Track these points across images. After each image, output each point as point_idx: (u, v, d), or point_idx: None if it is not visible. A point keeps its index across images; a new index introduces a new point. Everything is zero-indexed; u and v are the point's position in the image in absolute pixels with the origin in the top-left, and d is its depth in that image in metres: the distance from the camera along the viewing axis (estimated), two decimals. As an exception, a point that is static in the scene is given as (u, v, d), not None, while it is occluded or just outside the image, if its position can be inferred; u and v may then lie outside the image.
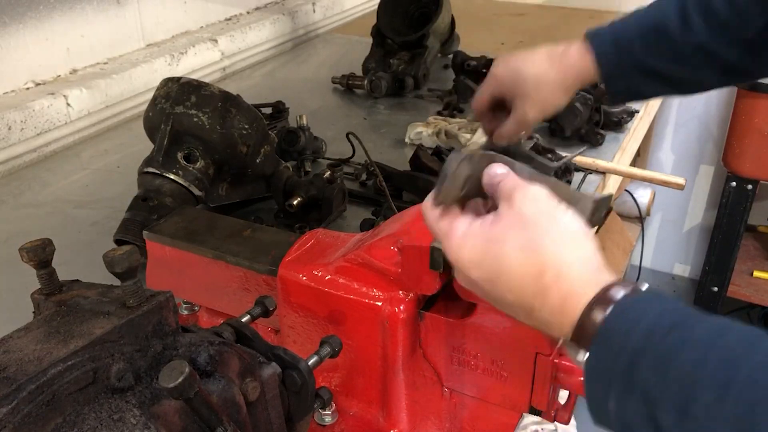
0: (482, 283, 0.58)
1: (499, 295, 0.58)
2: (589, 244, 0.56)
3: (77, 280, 0.58)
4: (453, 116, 1.64)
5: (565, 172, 1.26)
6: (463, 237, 0.59)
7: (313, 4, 2.35)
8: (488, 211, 0.61)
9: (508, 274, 0.56)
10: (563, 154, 1.29)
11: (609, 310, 0.51)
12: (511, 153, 0.89)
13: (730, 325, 0.48)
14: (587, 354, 0.52)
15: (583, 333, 0.52)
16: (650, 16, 0.96)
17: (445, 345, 0.75)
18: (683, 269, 3.13)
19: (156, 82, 1.26)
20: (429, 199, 0.62)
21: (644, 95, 1.03)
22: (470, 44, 2.16)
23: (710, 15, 0.91)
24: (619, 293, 0.52)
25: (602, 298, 0.52)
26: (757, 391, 0.43)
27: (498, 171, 0.60)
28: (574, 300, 0.53)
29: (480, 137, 1.43)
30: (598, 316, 0.52)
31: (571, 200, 0.62)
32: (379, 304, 0.74)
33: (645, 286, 0.53)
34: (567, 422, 0.75)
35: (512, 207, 0.57)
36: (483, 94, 1.00)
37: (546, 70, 0.95)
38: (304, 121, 1.45)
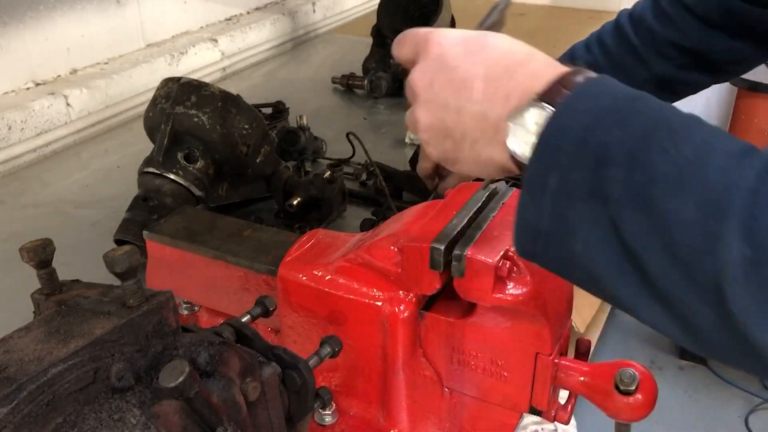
0: (456, 56, 0.57)
1: (467, 66, 0.56)
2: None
3: (77, 280, 0.58)
4: (453, 116, 1.64)
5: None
6: (454, 30, 0.60)
7: (313, 4, 2.35)
8: None
9: (495, 47, 0.56)
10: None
11: (588, 78, 0.50)
12: None
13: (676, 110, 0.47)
14: (546, 115, 0.48)
15: (553, 93, 0.49)
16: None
17: (445, 345, 0.75)
18: (683, 269, 3.13)
19: (156, 82, 1.26)
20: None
21: None
22: (470, 44, 2.16)
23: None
24: (586, 73, 0.51)
25: (580, 70, 0.51)
26: (714, 144, 0.43)
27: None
28: (557, 68, 0.52)
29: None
30: (578, 79, 0.49)
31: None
32: (379, 304, 0.74)
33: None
34: (567, 422, 0.75)
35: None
36: (426, 163, 0.91)
37: None
38: (304, 121, 1.45)
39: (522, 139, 0.50)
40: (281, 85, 1.96)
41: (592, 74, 0.50)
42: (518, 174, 0.54)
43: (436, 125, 0.59)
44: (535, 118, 0.49)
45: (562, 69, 0.52)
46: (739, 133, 2.29)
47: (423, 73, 0.59)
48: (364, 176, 1.35)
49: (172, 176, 1.11)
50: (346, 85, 1.87)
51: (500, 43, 0.57)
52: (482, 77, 0.55)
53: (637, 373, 0.67)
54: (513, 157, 0.52)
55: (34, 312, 0.56)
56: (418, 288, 0.72)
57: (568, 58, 1.07)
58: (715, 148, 0.43)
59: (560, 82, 0.50)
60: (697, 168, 0.42)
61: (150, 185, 1.11)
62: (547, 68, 0.52)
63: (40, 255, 0.54)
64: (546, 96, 0.49)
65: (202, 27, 2.04)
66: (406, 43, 0.63)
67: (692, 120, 0.46)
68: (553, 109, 0.48)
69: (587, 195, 0.45)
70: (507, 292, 0.67)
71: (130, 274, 0.51)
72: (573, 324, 0.90)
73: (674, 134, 0.44)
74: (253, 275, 0.84)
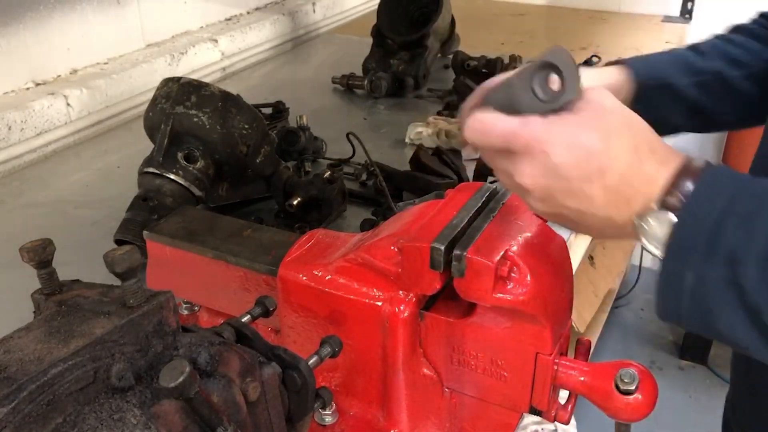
0: (567, 166, 0.58)
1: (581, 177, 0.58)
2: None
3: (77, 280, 0.58)
4: (453, 116, 1.64)
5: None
6: (548, 122, 0.59)
7: (313, 4, 2.35)
8: None
9: (603, 151, 0.57)
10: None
11: (697, 177, 0.55)
12: None
13: None
14: (672, 221, 0.54)
15: (671, 197, 0.55)
16: (669, 53, 1.03)
17: (445, 345, 0.75)
18: (683, 269, 3.13)
19: (156, 82, 1.26)
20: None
21: (666, 123, 0.99)
22: (470, 44, 2.16)
23: (722, 53, 0.98)
24: (699, 163, 0.56)
25: (689, 167, 0.56)
26: None
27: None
28: (668, 164, 0.56)
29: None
30: (688, 184, 0.55)
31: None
32: (379, 304, 0.74)
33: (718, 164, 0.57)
34: (567, 422, 0.75)
35: (591, 101, 0.59)
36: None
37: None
38: (304, 121, 1.45)
39: (652, 238, 0.56)
40: (281, 85, 1.96)
41: (700, 165, 0.55)
42: None
43: (556, 214, 0.62)
44: (661, 223, 0.55)
45: (672, 167, 0.56)
46: (739, 133, 2.29)
47: (533, 177, 0.60)
48: (364, 176, 1.35)
49: (172, 176, 1.11)
50: (346, 85, 1.87)
51: (606, 145, 0.57)
52: (601, 186, 0.58)
53: (637, 373, 0.67)
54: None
55: (34, 312, 0.56)
56: (418, 288, 0.72)
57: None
58: None
59: (675, 187, 0.55)
60: None
61: (150, 185, 1.11)
62: (659, 169, 0.57)
63: (40, 255, 0.54)
64: (667, 204, 0.55)
65: (202, 27, 2.04)
66: (493, 133, 0.61)
67: None
68: (675, 218, 0.54)
69: (724, 287, 0.52)
70: (507, 292, 0.67)
71: (130, 274, 0.51)
72: (573, 324, 0.90)
73: None
74: (253, 275, 0.84)
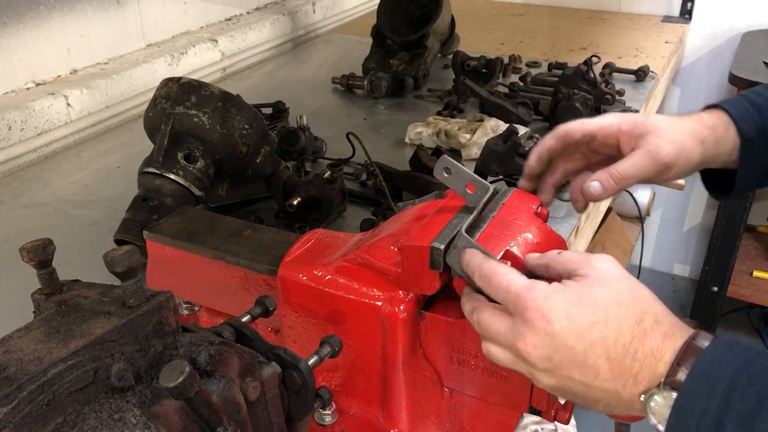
0: (567, 335, 0.58)
1: (584, 347, 0.57)
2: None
3: (77, 280, 0.58)
4: (453, 116, 1.64)
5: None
6: (549, 290, 0.59)
7: (313, 4, 2.35)
8: None
9: (605, 321, 0.57)
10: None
11: (690, 365, 0.54)
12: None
13: None
14: (673, 404, 0.54)
15: (680, 365, 0.54)
16: None
17: (445, 345, 0.75)
18: (683, 269, 3.13)
19: (156, 82, 1.26)
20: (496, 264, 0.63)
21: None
22: (470, 44, 2.16)
23: None
24: (701, 343, 0.55)
25: (692, 345, 0.55)
26: None
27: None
28: (673, 339, 0.55)
29: (480, 137, 1.43)
30: (691, 363, 0.54)
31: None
32: (379, 304, 0.74)
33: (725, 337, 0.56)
34: (567, 422, 0.75)
35: (597, 267, 0.60)
36: (591, 123, 0.81)
37: (675, 118, 0.82)
38: (304, 121, 1.45)
39: (658, 415, 0.55)
40: (281, 85, 1.96)
41: (706, 342, 0.55)
42: None
43: (562, 388, 0.61)
44: (666, 401, 0.54)
45: (677, 342, 0.55)
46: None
47: (535, 347, 0.59)
48: (364, 176, 1.35)
49: (172, 176, 1.11)
50: (346, 85, 1.87)
51: (609, 315, 0.57)
52: (605, 358, 0.57)
53: None
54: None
55: (34, 312, 0.56)
56: (418, 288, 0.72)
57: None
58: None
59: (680, 363, 0.54)
60: None
61: (150, 185, 1.11)
62: (663, 342, 0.56)
63: (40, 255, 0.54)
64: (671, 382, 0.54)
65: (202, 27, 2.04)
66: (497, 290, 0.62)
67: None
68: (676, 396, 0.54)
69: None
70: (507, 292, 0.67)
71: (130, 274, 0.51)
72: (573, 324, 0.90)
73: None
74: (253, 275, 0.84)
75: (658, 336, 0.56)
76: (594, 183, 0.76)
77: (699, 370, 0.53)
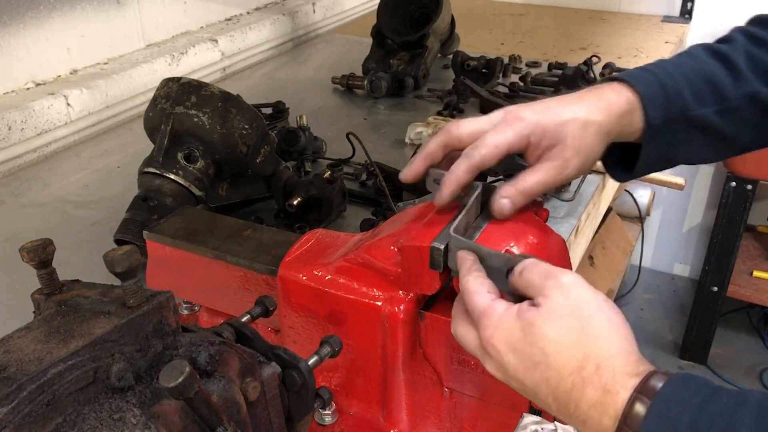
0: (515, 369, 0.58)
1: (532, 384, 0.58)
2: (629, 335, 0.57)
3: (77, 280, 0.58)
4: (453, 116, 1.64)
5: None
6: (500, 318, 0.59)
7: (313, 4, 2.35)
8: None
9: (546, 364, 0.56)
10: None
11: (647, 407, 0.51)
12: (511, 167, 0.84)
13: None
14: None
15: (627, 423, 0.52)
16: (691, 66, 0.83)
17: (445, 345, 0.75)
18: (683, 269, 3.14)
19: (156, 82, 1.26)
20: (471, 276, 0.63)
21: (677, 157, 0.85)
22: (470, 44, 2.16)
23: (757, 65, 0.82)
24: (657, 385, 0.52)
25: (643, 389, 0.52)
26: None
27: (528, 261, 0.62)
28: (615, 392, 0.53)
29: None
30: (641, 410, 0.51)
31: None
32: (379, 304, 0.74)
33: (680, 375, 0.53)
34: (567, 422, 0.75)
35: (549, 297, 0.57)
36: (502, 142, 0.74)
37: (587, 111, 0.76)
38: (304, 121, 1.45)
39: None
40: (281, 85, 1.96)
41: (660, 383, 0.52)
42: None
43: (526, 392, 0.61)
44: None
45: (618, 399, 0.52)
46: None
47: (493, 371, 0.62)
48: (364, 176, 1.35)
49: (172, 176, 1.11)
50: (346, 85, 1.87)
51: (547, 357, 0.56)
52: (552, 398, 0.57)
53: None
54: None
55: (34, 312, 0.56)
56: (418, 288, 0.72)
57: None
58: None
59: (625, 420, 0.52)
60: None
61: (150, 185, 1.11)
62: (603, 397, 0.53)
63: (40, 255, 0.54)
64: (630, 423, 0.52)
65: (202, 27, 2.04)
66: (468, 307, 0.63)
67: None
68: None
69: None
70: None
71: (130, 274, 0.51)
72: (573, 324, 0.89)
73: None
74: (253, 275, 0.84)
75: (598, 388, 0.53)
76: (504, 201, 0.73)
77: (657, 412, 0.51)
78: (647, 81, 0.80)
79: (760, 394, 0.50)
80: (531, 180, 0.74)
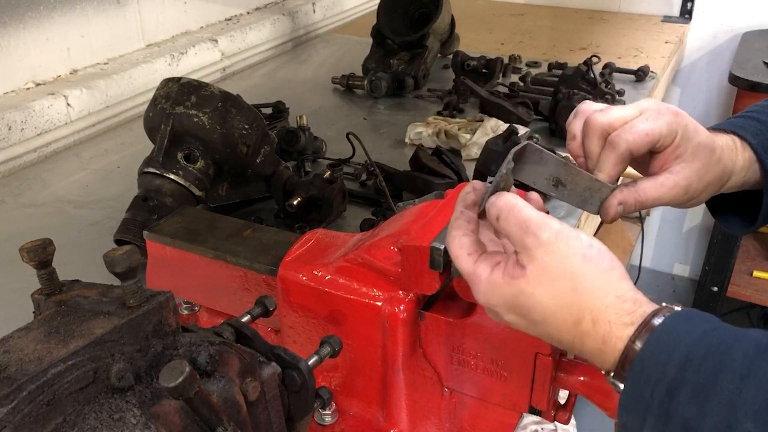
0: (517, 324, 0.60)
1: (536, 334, 0.60)
2: (622, 278, 0.56)
3: (77, 280, 0.58)
4: (453, 116, 1.64)
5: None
6: (489, 285, 0.59)
7: (313, 4, 2.35)
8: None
9: (544, 323, 0.57)
10: (562, 154, 1.30)
11: (645, 338, 0.52)
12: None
13: (766, 346, 0.49)
14: (629, 370, 0.53)
15: (624, 369, 0.54)
16: None
17: (445, 345, 0.75)
18: (683, 269, 3.13)
19: (156, 82, 1.26)
20: (457, 234, 0.62)
21: None
22: (470, 44, 2.17)
23: None
24: (656, 321, 0.53)
25: (641, 329, 0.53)
26: None
27: (501, 203, 0.59)
28: (612, 342, 0.54)
29: (480, 137, 1.43)
30: (638, 345, 0.53)
31: (591, 189, 0.63)
32: (379, 304, 0.74)
33: (679, 308, 0.54)
34: (567, 422, 0.75)
35: (534, 259, 0.56)
36: (653, 131, 0.70)
37: (712, 140, 0.74)
38: (304, 121, 1.45)
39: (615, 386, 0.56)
40: (281, 85, 1.96)
41: (659, 319, 0.53)
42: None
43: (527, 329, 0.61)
44: (618, 382, 0.55)
45: (618, 346, 0.54)
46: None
47: (491, 314, 0.62)
48: (364, 176, 1.35)
49: (172, 176, 1.11)
50: (346, 85, 1.87)
51: (544, 316, 0.57)
52: (557, 342, 0.58)
53: None
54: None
55: (34, 312, 0.56)
56: (418, 288, 0.72)
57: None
58: None
59: (626, 355, 0.53)
60: None
61: (150, 185, 1.11)
62: (603, 346, 0.55)
63: (40, 255, 0.54)
64: (619, 375, 0.54)
65: (202, 27, 2.04)
66: (458, 263, 0.62)
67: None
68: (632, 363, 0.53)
69: None
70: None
71: (130, 274, 0.51)
72: (573, 324, 0.89)
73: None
74: (253, 275, 0.84)
75: (597, 340, 0.55)
76: (619, 207, 0.72)
77: (655, 340, 0.52)
78: (755, 130, 0.78)
79: (760, 333, 0.51)
80: (651, 195, 0.73)
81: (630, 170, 0.81)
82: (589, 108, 0.74)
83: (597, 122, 0.72)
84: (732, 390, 0.48)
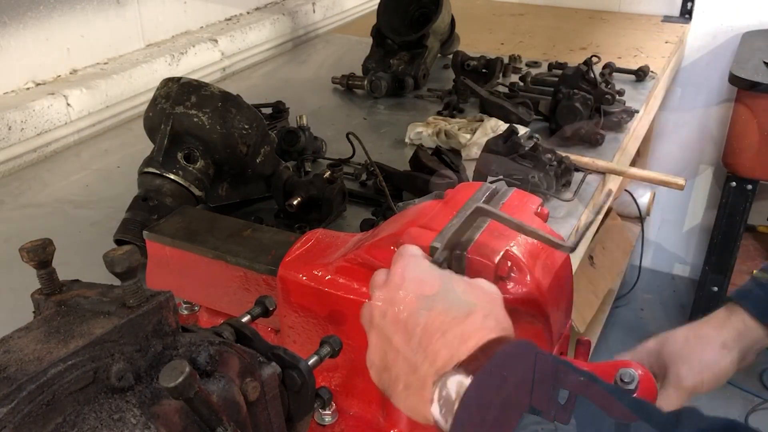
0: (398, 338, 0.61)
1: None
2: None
3: (77, 280, 0.58)
4: (453, 116, 1.64)
5: (565, 173, 1.26)
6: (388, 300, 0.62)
7: (313, 4, 2.35)
8: None
9: (440, 299, 0.59)
10: (562, 153, 1.30)
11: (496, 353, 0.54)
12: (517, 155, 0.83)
13: None
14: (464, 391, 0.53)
15: (472, 362, 0.54)
16: None
17: (445, 345, 0.74)
18: (683, 269, 3.13)
19: (156, 82, 1.26)
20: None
21: None
22: (470, 44, 2.16)
23: None
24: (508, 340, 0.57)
25: (493, 343, 0.55)
26: None
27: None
28: (483, 332, 0.57)
29: (480, 137, 1.43)
30: (489, 351, 0.55)
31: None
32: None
33: None
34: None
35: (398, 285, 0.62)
36: None
37: (696, 328, 0.85)
38: (304, 121, 1.45)
39: (445, 408, 0.52)
40: (281, 85, 1.96)
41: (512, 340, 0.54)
42: None
43: (379, 356, 0.62)
44: (457, 387, 0.52)
45: (490, 335, 0.54)
46: (739, 133, 2.29)
47: (381, 300, 0.62)
48: (364, 176, 1.35)
49: (172, 176, 1.11)
50: (346, 85, 1.87)
51: (451, 292, 0.58)
52: (422, 326, 0.57)
53: (636, 373, 0.66)
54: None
55: (34, 312, 0.56)
56: (418, 288, 0.72)
57: None
58: None
59: (483, 350, 0.53)
60: None
61: (150, 185, 1.11)
62: (477, 331, 0.55)
63: (40, 255, 0.54)
64: (467, 366, 0.52)
65: (202, 27, 2.04)
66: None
67: None
68: (470, 381, 0.51)
69: None
70: (507, 291, 0.67)
71: (130, 274, 0.51)
72: (573, 324, 0.90)
73: None
74: (253, 275, 0.84)
75: (476, 325, 0.56)
76: None
77: (507, 351, 0.53)
78: (757, 301, 0.87)
79: None
80: None
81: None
82: None
83: None
84: None
